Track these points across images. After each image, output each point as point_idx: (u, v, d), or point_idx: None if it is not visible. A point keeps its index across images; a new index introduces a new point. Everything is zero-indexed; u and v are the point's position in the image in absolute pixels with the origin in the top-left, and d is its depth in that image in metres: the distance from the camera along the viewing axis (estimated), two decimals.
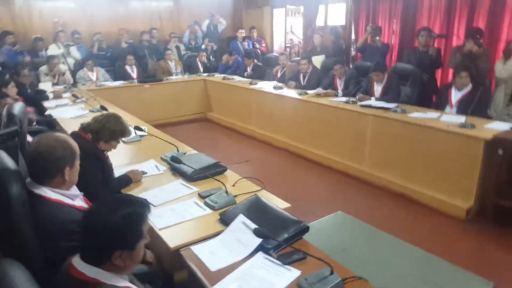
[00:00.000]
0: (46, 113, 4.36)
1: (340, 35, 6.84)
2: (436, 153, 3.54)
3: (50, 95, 5.04)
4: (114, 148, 2.35)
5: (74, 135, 2.22)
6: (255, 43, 8.18)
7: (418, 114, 3.88)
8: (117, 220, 1.12)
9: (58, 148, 1.54)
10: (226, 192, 2.08)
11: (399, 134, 3.83)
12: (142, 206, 1.20)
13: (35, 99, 4.91)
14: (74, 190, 1.64)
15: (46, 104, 4.71)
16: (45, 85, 5.52)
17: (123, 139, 3.04)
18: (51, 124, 4.01)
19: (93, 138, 2.22)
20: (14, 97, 3.91)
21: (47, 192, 1.49)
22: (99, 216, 1.13)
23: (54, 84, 5.85)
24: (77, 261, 1.14)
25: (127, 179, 2.31)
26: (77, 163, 1.62)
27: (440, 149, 3.50)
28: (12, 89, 4.01)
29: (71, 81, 6.21)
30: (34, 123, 3.85)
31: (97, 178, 2.13)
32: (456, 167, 3.39)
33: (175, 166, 2.47)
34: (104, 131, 2.22)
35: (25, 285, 1.02)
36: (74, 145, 1.61)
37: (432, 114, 3.85)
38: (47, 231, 1.42)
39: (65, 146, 1.56)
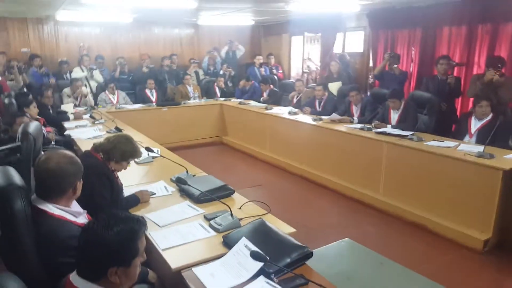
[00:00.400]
0: (66, 133, 4.48)
1: (348, 63, 6.86)
2: (453, 183, 3.44)
3: (71, 116, 5.20)
4: (125, 169, 2.38)
5: (86, 154, 2.27)
6: (272, 69, 8.30)
7: (435, 143, 3.80)
8: (112, 236, 1.12)
9: (69, 165, 1.59)
10: (231, 214, 2.06)
11: (415, 162, 3.75)
12: (138, 223, 1.20)
13: (56, 119, 5.07)
14: (76, 207, 1.66)
15: (66, 124, 4.85)
16: (67, 106, 5.70)
17: (134, 160, 3.10)
18: (69, 144, 4.12)
19: (104, 157, 2.25)
20: (35, 117, 4.04)
21: (51, 208, 1.52)
22: (94, 232, 1.14)
23: (75, 106, 6.05)
24: (73, 277, 1.15)
25: (136, 199, 2.32)
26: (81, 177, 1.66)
27: (457, 178, 3.40)
28: (33, 109, 4.15)
29: (92, 103, 6.40)
30: (53, 143, 3.96)
31: (105, 197, 2.15)
32: (474, 198, 3.27)
33: (182, 188, 2.48)
34: (115, 151, 2.25)
35: None
36: (79, 160, 1.66)
37: (449, 143, 3.78)
38: (49, 246, 1.43)
39: (74, 162, 1.61)
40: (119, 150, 2.26)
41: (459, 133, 4.13)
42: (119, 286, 1.16)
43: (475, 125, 3.97)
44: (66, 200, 1.59)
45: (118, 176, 2.38)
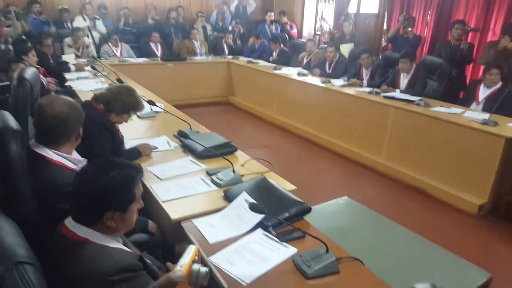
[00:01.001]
0: (66, 84, 4.43)
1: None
2: (455, 149, 3.45)
3: (72, 67, 5.12)
4: (126, 122, 2.33)
5: (86, 104, 2.23)
6: (286, 26, 8.01)
7: (442, 109, 3.77)
8: (107, 181, 1.12)
9: (71, 110, 1.58)
10: (233, 171, 2.07)
11: (419, 127, 3.73)
12: (134, 169, 1.20)
13: (57, 70, 4.99)
14: (76, 155, 1.66)
15: (67, 75, 4.80)
16: (68, 57, 5.60)
17: (136, 113, 3.07)
18: (70, 95, 4.07)
19: (105, 109, 2.20)
20: (34, 66, 3.98)
21: (50, 154, 1.52)
22: (89, 177, 1.14)
23: (77, 57, 5.93)
24: (69, 221, 1.16)
25: (137, 152, 2.32)
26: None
27: (459, 144, 3.40)
28: (32, 58, 4.04)
29: (95, 55, 6.28)
30: (52, 93, 3.93)
31: (105, 149, 2.12)
32: (474, 164, 3.30)
33: (185, 143, 2.48)
34: (116, 102, 2.20)
35: (12, 239, 1.04)
36: (80, 106, 1.65)
37: (455, 110, 3.74)
38: (47, 192, 1.44)
39: (76, 107, 1.60)
40: (120, 102, 2.21)
41: (467, 100, 4.07)
42: (116, 231, 1.18)
43: (483, 92, 3.90)
44: (69, 146, 1.59)
45: (119, 129, 2.36)
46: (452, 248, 1.77)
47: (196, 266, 1.04)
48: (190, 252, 1.07)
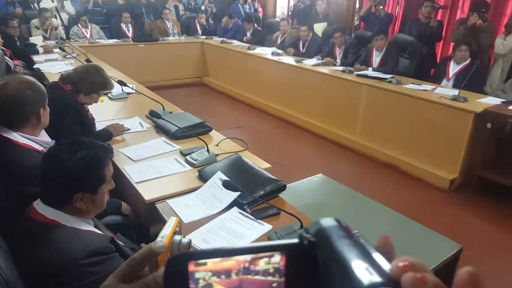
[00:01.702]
0: (34, 67, 4.26)
1: None
2: (426, 125, 3.53)
3: (40, 50, 4.92)
4: (96, 102, 2.29)
5: (52, 85, 2.16)
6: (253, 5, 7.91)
7: (413, 86, 3.84)
8: (75, 162, 1.09)
9: (28, 90, 1.50)
10: (208, 150, 2.06)
11: (391, 104, 3.80)
12: (104, 150, 1.17)
13: (24, 52, 4.79)
14: (45, 137, 1.61)
15: (35, 58, 4.60)
16: (36, 39, 5.37)
17: (107, 93, 2.99)
18: (39, 78, 3.91)
19: (73, 89, 2.13)
20: None
21: (16, 137, 1.46)
22: (56, 158, 1.10)
23: (45, 39, 5.70)
24: (37, 204, 1.13)
25: (107, 133, 2.26)
26: (47, 104, 1.58)
27: (430, 120, 3.49)
28: None
29: (64, 37, 6.05)
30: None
31: (74, 130, 2.07)
32: (445, 139, 3.39)
33: (158, 123, 2.44)
34: (84, 82, 2.14)
35: None
36: (42, 86, 1.57)
37: (426, 87, 3.83)
38: (13, 175, 1.40)
39: (35, 87, 1.53)
40: (88, 81, 2.15)
41: (438, 77, 4.15)
42: (86, 213, 1.15)
43: (453, 69, 3.98)
44: (32, 129, 1.53)
45: (88, 110, 2.30)
46: (424, 222, 1.83)
47: (177, 237, 1.04)
48: (170, 224, 1.06)
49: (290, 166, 3.78)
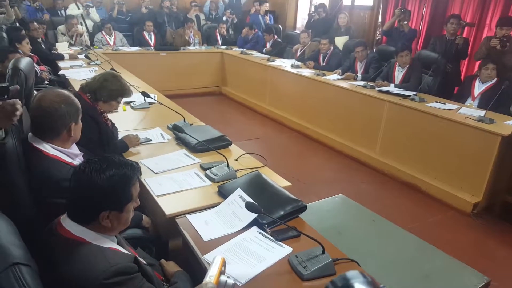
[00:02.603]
0: (60, 72, 4.35)
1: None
2: (450, 146, 3.44)
3: (66, 56, 5.03)
4: (115, 109, 2.30)
5: (74, 95, 2.18)
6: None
7: (437, 105, 3.76)
8: (103, 181, 1.09)
9: (62, 104, 1.52)
10: (228, 165, 2.05)
11: (414, 123, 3.73)
12: (132, 169, 1.17)
13: (50, 57, 4.90)
14: (75, 149, 1.62)
15: (60, 64, 4.71)
16: (62, 45, 5.51)
17: (129, 102, 3.02)
18: (63, 84, 4.02)
19: (92, 98, 2.16)
20: (28, 54, 3.89)
21: (47, 148, 1.48)
22: (85, 175, 1.10)
23: (71, 45, 5.85)
24: (64, 219, 1.13)
25: (124, 145, 2.27)
26: (79, 119, 1.59)
27: (454, 141, 3.40)
28: (26, 46, 3.98)
29: (88, 43, 6.18)
30: (46, 82, 3.85)
31: (92, 140, 2.07)
32: (469, 161, 3.30)
33: (179, 136, 2.45)
34: (102, 90, 2.16)
35: (7, 238, 1.01)
36: (77, 101, 1.59)
37: (450, 106, 3.74)
38: (42, 187, 1.41)
39: (69, 102, 1.54)
40: (106, 89, 2.17)
41: (462, 96, 4.07)
42: (111, 230, 1.15)
43: (478, 88, 3.90)
44: (62, 142, 1.54)
45: (108, 119, 2.32)
46: (446, 247, 1.78)
47: (223, 278, 1.11)
48: (217, 263, 1.13)
49: (308, 181, 3.74)
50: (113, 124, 2.44)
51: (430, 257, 1.68)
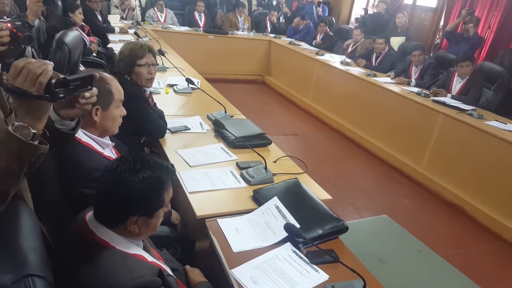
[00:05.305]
0: (108, 46, 4.36)
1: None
2: (506, 170, 3.15)
3: (116, 29, 5.05)
4: (151, 75, 2.19)
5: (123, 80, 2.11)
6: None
7: (497, 124, 3.44)
8: (136, 183, 1.00)
9: (98, 84, 1.44)
10: (266, 168, 1.93)
11: (469, 140, 3.44)
12: (167, 172, 1.06)
13: (102, 29, 4.94)
14: (106, 139, 1.54)
15: (110, 37, 4.72)
16: (114, 18, 5.54)
17: (173, 85, 2.97)
18: (110, 58, 4.01)
19: (129, 77, 2.13)
20: (79, 24, 3.92)
21: (79, 134, 1.40)
22: (118, 177, 1.01)
23: (122, 18, 5.88)
24: (90, 219, 1.05)
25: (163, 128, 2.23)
26: (115, 109, 1.48)
27: (511, 166, 3.10)
28: (78, 16, 4.01)
29: (140, 18, 6.20)
30: (94, 54, 3.86)
31: (152, 121, 2.10)
32: None
33: (218, 129, 2.35)
34: (121, 64, 2.11)
35: (27, 241, 0.93)
36: (116, 88, 1.47)
37: None
38: (71, 174, 1.35)
39: (102, 85, 1.44)
40: (122, 61, 2.11)
41: None
42: (138, 235, 1.07)
43: None
44: (87, 125, 1.43)
45: (151, 96, 2.33)
46: (490, 283, 1.58)
47: None
48: None
49: (344, 186, 3.56)
50: (155, 104, 2.39)
51: None
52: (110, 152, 1.51)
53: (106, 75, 1.49)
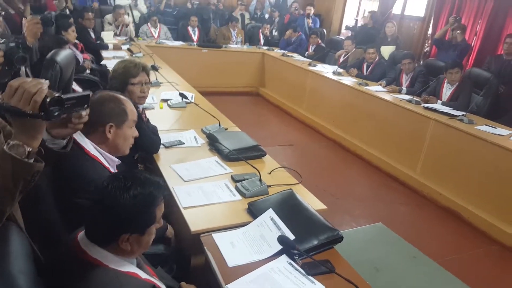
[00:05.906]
0: (102, 62, 4.39)
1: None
2: (499, 174, 3.19)
3: (110, 46, 5.09)
4: (143, 93, 2.18)
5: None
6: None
7: (487, 128, 3.50)
8: (127, 200, 1.00)
9: (108, 102, 1.47)
10: (260, 180, 1.94)
11: (461, 145, 3.48)
12: (157, 188, 1.07)
13: (95, 46, 4.97)
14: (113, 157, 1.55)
15: (104, 53, 4.76)
16: (107, 34, 5.58)
17: (167, 100, 2.99)
18: (104, 75, 4.04)
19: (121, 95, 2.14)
20: (73, 42, 3.95)
21: (88, 145, 1.42)
22: (107, 194, 1.01)
23: (115, 35, 5.93)
24: (82, 239, 1.06)
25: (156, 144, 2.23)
26: (127, 129, 1.51)
27: (504, 171, 3.14)
28: (71, 33, 4.03)
29: (133, 34, 6.25)
30: (88, 71, 3.88)
31: (146, 136, 2.07)
32: None
33: (212, 142, 2.37)
34: (113, 82, 2.09)
35: (18, 262, 0.94)
36: (130, 109, 1.51)
37: (502, 131, 3.48)
38: (72, 182, 1.35)
39: (117, 104, 1.47)
40: (115, 79, 2.10)
41: None
42: (130, 253, 1.07)
43: None
44: (99, 140, 1.46)
45: (144, 112, 2.31)
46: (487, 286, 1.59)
47: None
48: None
49: (340, 195, 3.58)
50: (148, 120, 2.40)
51: None
52: (114, 170, 1.53)
53: (122, 96, 1.53)
